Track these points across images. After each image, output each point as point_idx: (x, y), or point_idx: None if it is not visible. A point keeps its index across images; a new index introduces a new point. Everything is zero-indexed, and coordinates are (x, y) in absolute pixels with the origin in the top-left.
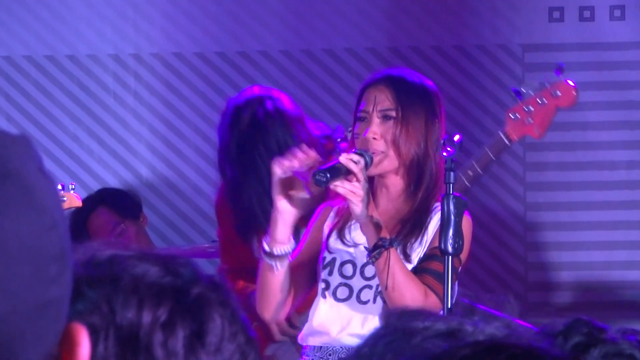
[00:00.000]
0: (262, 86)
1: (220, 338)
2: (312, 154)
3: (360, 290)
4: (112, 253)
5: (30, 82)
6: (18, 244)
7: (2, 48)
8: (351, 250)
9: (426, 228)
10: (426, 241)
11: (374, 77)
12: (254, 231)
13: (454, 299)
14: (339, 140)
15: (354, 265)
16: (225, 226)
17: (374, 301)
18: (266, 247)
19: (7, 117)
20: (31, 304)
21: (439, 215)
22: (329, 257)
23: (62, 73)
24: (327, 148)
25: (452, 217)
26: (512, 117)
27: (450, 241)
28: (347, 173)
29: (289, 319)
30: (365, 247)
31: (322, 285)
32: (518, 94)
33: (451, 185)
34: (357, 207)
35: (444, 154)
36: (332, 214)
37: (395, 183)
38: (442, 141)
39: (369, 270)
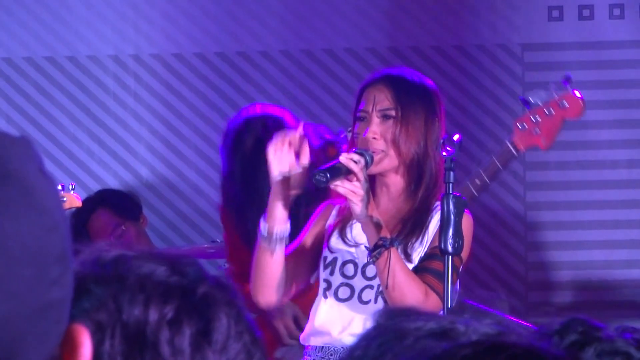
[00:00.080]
0: (263, 104)
1: (226, 337)
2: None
3: (361, 291)
4: (118, 253)
5: (30, 83)
6: (19, 245)
7: (2, 49)
8: (352, 250)
9: (427, 227)
10: (427, 240)
11: (373, 76)
12: None
13: (456, 299)
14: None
15: (356, 265)
16: (230, 231)
17: (375, 301)
18: (264, 230)
19: (7, 119)
20: (33, 305)
21: (440, 215)
22: (330, 257)
23: (62, 74)
24: (331, 155)
25: (452, 217)
26: (520, 126)
27: (450, 241)
28: (347, 173)
29: (297, 322)
30: (365, 247)
31: (323, 285)
32: (526, 103)
33: (451, 184)
34: (357, 206)
35: (444, 153)
36: (334, 212)
37: (396, 182)
38: (441, 141)
39: (370, 270)
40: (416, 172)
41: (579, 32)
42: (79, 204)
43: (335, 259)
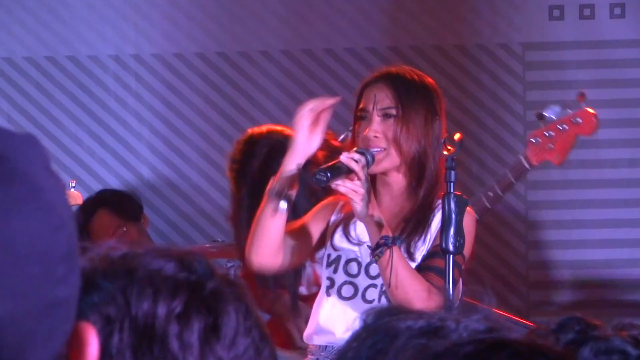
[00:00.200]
0: (269, 126)
1: (235, 332)
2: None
3: (365, 289)
4: (126, 250)
5: (31, 83)
6: (26, 243)
7: (3, 49)
8: (356, 248)
9: (429, 226)
10: (429, 239)
11: (374, 75)
12: None
13: (460, 298)
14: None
15: (359, 263)
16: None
17: (379, 300)
18: (273, 186)
19: (8, 119)
20: (40, 303)
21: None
22: (334, 255)
23: (63, 74)
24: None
25: (453, 216)
26: (534, 141)
27: (451, 240)
28: (348, 172)
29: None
30: (368, 246)
31: (326, 282)
32: (540, 117)
33: (452, 183)
34: (358, 205)
35: (445, 152)
36: (338, 208)
37: (397, 181)
38: (442, 140)
39: (374, 269)
40: (417, 170)
41: (579, 32)
42: (80, 201)
43: (339, 257)
